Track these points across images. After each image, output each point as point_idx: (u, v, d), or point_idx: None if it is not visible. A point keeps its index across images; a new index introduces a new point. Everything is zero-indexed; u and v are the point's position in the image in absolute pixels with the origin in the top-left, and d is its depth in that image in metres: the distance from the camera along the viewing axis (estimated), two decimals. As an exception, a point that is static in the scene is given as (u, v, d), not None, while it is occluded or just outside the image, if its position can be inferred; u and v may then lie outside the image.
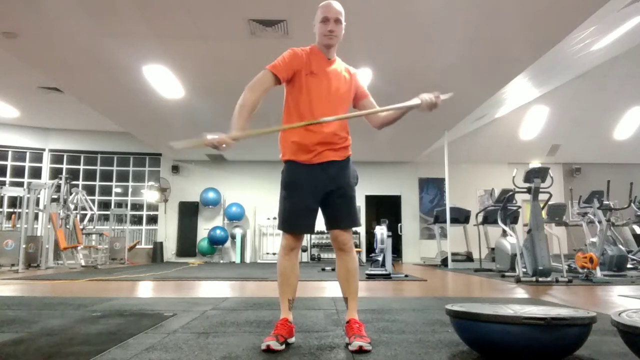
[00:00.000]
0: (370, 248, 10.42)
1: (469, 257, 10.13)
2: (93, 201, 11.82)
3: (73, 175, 11.66)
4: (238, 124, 1.90)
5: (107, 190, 12.74)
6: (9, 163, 11.87)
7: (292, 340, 2.04)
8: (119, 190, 12.87)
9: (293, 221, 2.03)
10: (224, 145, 1.87)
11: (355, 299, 2.08)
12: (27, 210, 8.44)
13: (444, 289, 5.12)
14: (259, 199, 12.65)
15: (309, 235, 12.46)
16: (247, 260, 12.39)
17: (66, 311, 3.00)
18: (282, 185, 2.08)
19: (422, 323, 2.59)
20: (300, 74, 2.03)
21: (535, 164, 12.59)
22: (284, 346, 1.92)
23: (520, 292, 4.56)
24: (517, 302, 3.58)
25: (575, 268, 6.46)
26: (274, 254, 12.41)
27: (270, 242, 12.80)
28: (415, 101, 1.96)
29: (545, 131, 11.39)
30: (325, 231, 2.13)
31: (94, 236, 10.83)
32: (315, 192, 2.04)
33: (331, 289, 4.69)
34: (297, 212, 2.03)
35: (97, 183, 12.65)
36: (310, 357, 1.80)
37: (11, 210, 9.32)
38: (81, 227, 9.76)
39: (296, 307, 3.14)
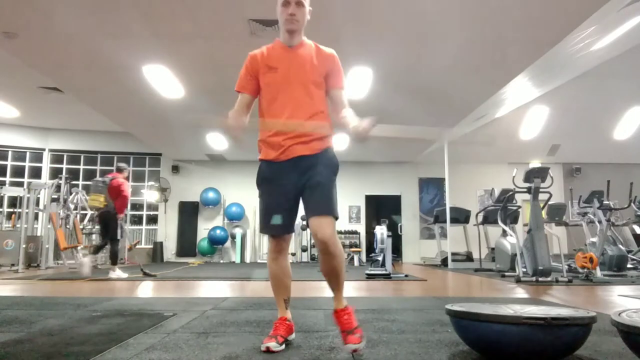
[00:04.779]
0: (370, 248, 10.42)
1: (469, 257, 10.13)
2: (93, 201, 11.79)
3: (73, 175, 11.66)
4: (233, 111, 1.98)
5: (107, 190, 12.72)
6: (9, 163, 11.86)
7: (292, 337, 2.05)
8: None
9: (268, 223, 1.97)
10: (235, 134, 1.90)
11: (342, 289, 1.99)
12: (27, 210, 8.44)
13: (444, 289, 5.12)
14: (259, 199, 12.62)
15: (309, 235, 12.46)
16: (247, 260, 12.39)
17: (66, 311, 3.00)
18: (257, 187, 2.05)
19: (422, 323, 2.59)
20: (260, 75, 1.99)
21: (535, 163, 12.59)
22: (283, 346, 1.92)
23: (520, 292, 4.56)
24: (517, 302, 3.58)
25: (575, 268, 6.46)
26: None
27: (270, 242, 12.77)
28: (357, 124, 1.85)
29: (545, 131, 11.38)
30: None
31: (94, 236, 10.82)
32: (286, 191, 1.95)
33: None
34: (271, 213, 1.97)
35: (97, 183, 12.63)
36: (310, 357, 1.80)
37: (11, 210, 9.32)
38: (81, 227, 9.75)
39: (296, 307, 3.14)
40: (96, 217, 6.34)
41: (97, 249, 6.53)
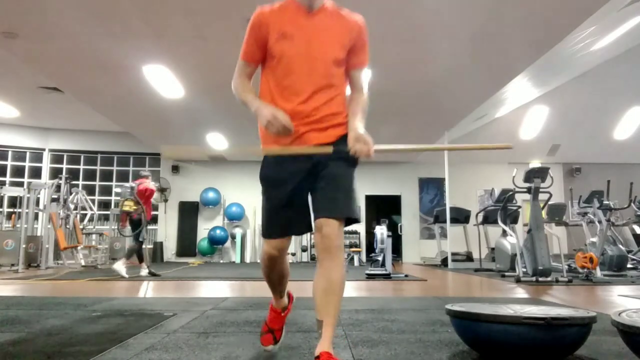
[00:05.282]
0: (370, 248, 10.42)
1: (469, 257, 10.13)
2: (93, 201, 11.81)
3: (73, 175, 11.65)
4: (256, 102, 1.60)
5: (107, 190, 12.73)
6: (9, 163, 11.86)
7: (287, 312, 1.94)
8: (119, 190, 12.85)
9: (272, 228, 1.66)
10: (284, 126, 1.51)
11: (334, 323, 1.48)
12: (27, 210, 8.44)
13: (444, 288, 5.12)
14: (259, 199, 12.29)
15: (309, 234, 12.46)
16: (247, 260, 12.39)
17: (66, 311, 3.00)
18: (262, 191, 1.70)
19: (422, 323, 2.59)
20: (269, 42, 1.59)
21: (535, 164, 12.58)
22: (278, 344, 1.91)
23: (520, 292, 4.56)
24: (517, 302, 3.58)
25: (575, 268, 6.46)
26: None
27: (270, 242, 12.78)
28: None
29: (545, 131, 11.38)
30: None
31: (94, 236, 10.83)
32: (298, 187, 1.60)
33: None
34: (276, 213, 1.64)
35: (97, 183, 12.65)
36: (310, 357, 1.80)
37: (11, 210, 9.31)
38: (81, 227, 9.76)
39: (296, 306, 3.14)
40: (128, 221, 6.77)
41: (130, 253, 6.75)
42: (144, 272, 6.60)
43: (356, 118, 1.62)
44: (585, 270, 5.90)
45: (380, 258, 6.84)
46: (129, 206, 6.61)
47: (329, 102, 1.60)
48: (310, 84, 1.58)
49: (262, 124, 1.52)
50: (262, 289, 4.75)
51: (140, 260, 6.76)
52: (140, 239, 6.68)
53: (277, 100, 1.59)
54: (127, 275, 6.17)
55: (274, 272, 1.77)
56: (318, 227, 1.52)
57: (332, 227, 1.49)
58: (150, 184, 6.81)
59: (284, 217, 1.63)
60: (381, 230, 6.79)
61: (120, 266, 6.22)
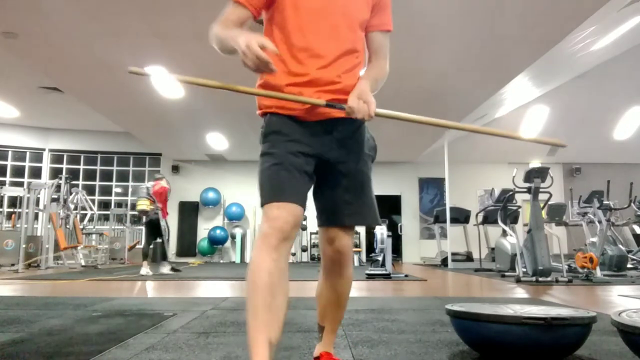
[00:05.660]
0: (370, 248, 10.42)
1: (469, 257, 10.13)
2: (93, 201, 11.81)
3: (73, 175, 11.65)
4: (234, 32, 1.20)
5: (107, 190, 12.73)
6: (9, 163, 11.86)
7: None
8: (119, 190, 12.86)
9: (286, 183, 1.23)
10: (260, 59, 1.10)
11: (337, 330, 1.48)
12: (27, 210, 8.44)
13: (444, 289, 5.12)
14: (259, 199, 12.62)
15: (309, 234, 12.47)
16: (247, 260, 12.36)
17: (66, 311, 3.00)
18: (262, 144, 1.32)
19: (422, 323, 2.58)
20: None
21: (535, 164, 12.58)
22: None
23: (520, 292, 4.56)
24: (517, 302, 3.58)
25: (575, 268, 6.46)
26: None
27: (270, 242, 12.78)
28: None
29: (545, 131, 11.38)
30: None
31: (94, 236, 10.83)
32: (310, 152, 1.28)
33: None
34: (290, 169, 1.24)
35: (97, 183, 12.65)
36: (310, 357, 1.80)
37: (11, 210, 9.31)
38: (81, 227, 9.75)
39: (296, 307, 3.14)
40: (144, 221, 7.10)
41: (145, 255, 6.97)
42: (166, 269, 6.89)
43: (367, 80, 1.33)
44: (585, 270, 5.90)
45: (380, 258, 6.84)
46: (145, 205, 6.84)
47: (353, 71, 1.32)
48: (333, 43, 1.28)
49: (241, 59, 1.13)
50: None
51: (164, 257, 7.09)
52: (164, 237, 7.01)
53: (288, 63, 1.28)
54: (171, 272, 6.75)
55: (272, 282, 1.14)
56: (331, 237, 1.33)
57: (347, 240, 1.34)
58: (164, 183, 7.09)
59: (297, 173, 1.25)
60: (381, 230, 6.79)
61: (163, 269, 6.82)
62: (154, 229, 6.92)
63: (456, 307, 1.89)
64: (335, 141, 1.31)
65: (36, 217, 9.70)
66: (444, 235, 10.11)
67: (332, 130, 1.30)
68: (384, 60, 1.41)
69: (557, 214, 7.62)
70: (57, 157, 12.38)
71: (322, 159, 1.30)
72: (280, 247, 1.17)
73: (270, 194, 1.22)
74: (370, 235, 11.14)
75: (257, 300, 1.13)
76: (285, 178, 1.23)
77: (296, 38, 1.28)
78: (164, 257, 7.07)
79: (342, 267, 1.36)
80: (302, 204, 1.23)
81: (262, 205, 1.24)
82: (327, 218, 1.34)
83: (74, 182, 10.82)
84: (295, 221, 1.20)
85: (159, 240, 6.99)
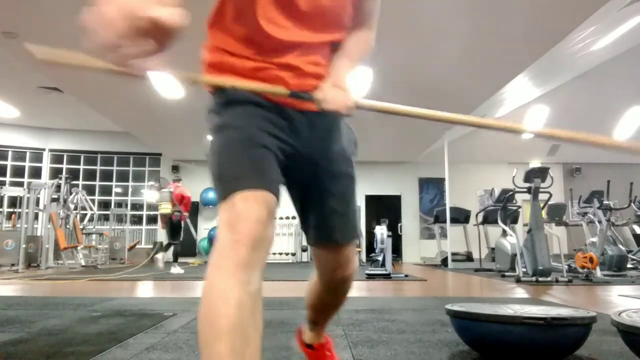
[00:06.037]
0: (370, 248, 10.42)
1: (469, 257, 10.13)
2: (93, 201, 11.81)
3: (73, 175, 11.66)
4: None
5: (107, 190, 12.73)
6: (9, 163, 11.87)
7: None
8: (119, 190, 12.86)
9: (257, 163, 0.92)
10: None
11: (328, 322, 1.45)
12: (27, 210, 8.44)
13: (444, 289, 5.11)
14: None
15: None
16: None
17: (66, 311, 3.00)
18: (217, 114, 1.08)
19: (422, 323, 2.58)
20: None
21: (535, 164, 12.59)
22: None
23: (520, 292, 4.56)
24: (517, 302, 3.58)
25: (575, 268, 6.46)
26: (274, 253, 12.38)
27: (270, 242, 12.78)
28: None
29: (545, 131, 11.37)
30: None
31: (94, 236, 10.83)
32: (281, 134, 0.98)
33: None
34: (260, 147, 0.94)
35: (97, 183, 12.65)
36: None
37: (11, 210, 9.31)
38: (81, 227, 9.76)
39: (295, 307, 3.14)
40: (165, 222, 7.41)
41: (166, 247, 7.60)
42: (175, 270, 7.13)
43: (346, 59, 1.04)
44: (585, 270, 5.90)
45: (380, 258, 6.84)
46: (167, 208, 7.23)
47: (323, 50, 1.03)
48: (316, 14, 0.98)
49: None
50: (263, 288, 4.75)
51: (175, 259, 7.43)
52: (177, 240, 7.39)
53: (258, 31, 1.00)
54: (182, 271, 7.10)
55: (243, 320, 0.77)
56: (336, 256, 1.14)
57: (350, 249, 1.15)
58: (184, 190, 7.46)
59: (272, 154, 0.94)
60: (381, 230, 6.79)
61: (174, 270, 7.05)
62: (176, 230, 7.30)
63: (456, 307, 1.89)
64: (316, 132, 1.03)
65: (36, 217, 9.70)
66: (444, 235, 10.11)
67: (315, 120, 1.02)
68: (371, 32, 1.13)
69: (557, 214, 7.62)
70: (57, 157, 12.38)
71: (299, 151, 1.00)
72: (252, 261, 0.79)
73: (233, 180, 0.88)
74: (370, 235, 11.14)
75: (220, 349, 0.74)
76: (256, 155, 0.91)
77: (252, 11, 1.03)
78: (176, 258, 7.41)
79: (348, 284, 1.20)
80: (277, 193, 0.90)
81: (221, 199, 0.89)
82: (320, 233, 1.10)
83: (74, 182, 10.82)
84: (270, 216, 0.85)
85: (175, 241, 7.36)
